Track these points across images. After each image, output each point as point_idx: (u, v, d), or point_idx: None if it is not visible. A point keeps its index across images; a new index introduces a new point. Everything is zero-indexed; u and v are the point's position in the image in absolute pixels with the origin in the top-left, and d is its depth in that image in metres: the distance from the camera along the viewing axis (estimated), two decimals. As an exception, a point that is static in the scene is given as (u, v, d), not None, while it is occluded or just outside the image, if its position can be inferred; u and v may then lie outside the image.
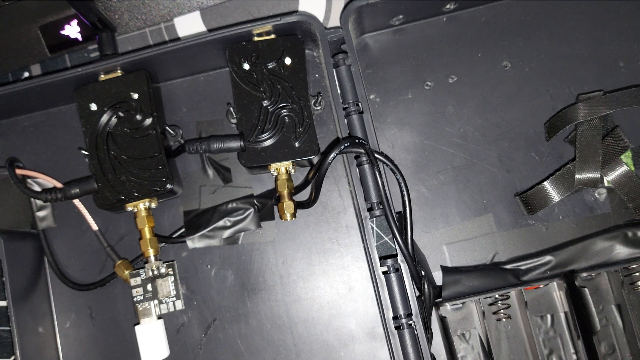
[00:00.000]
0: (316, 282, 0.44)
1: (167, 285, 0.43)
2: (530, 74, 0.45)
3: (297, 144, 0.40)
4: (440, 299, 0.42)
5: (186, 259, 0.45)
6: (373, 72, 0.46)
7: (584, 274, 0.41)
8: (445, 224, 0.44)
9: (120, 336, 0.44)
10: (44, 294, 0.45)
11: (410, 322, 0.39)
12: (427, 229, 0.44)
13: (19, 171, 0.43)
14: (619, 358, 0.42)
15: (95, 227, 0.44)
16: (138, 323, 0.42)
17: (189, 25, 0.48)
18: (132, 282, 0.42)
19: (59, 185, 0.43)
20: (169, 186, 0.40)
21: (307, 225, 0.45)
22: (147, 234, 0.41)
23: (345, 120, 0.41)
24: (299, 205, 0.42)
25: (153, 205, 0.42)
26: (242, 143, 0.40)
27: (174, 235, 0.45)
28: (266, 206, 0.44)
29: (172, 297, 0.43)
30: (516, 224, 0.44)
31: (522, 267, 0.42)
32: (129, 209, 0.41)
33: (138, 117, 0.41)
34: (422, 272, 0.40)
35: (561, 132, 0.43)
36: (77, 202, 0.43)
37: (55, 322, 0.45)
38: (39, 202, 0.46)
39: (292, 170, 0.41)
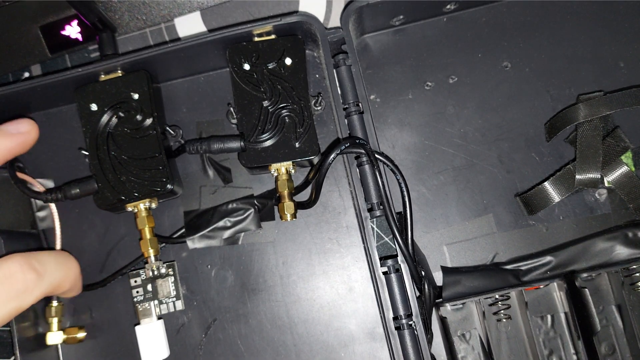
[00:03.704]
0: (316, 282, 0.44)
1: (167, 286, 0.43)
2: (530, 75, 0.45)
3: (297, 145, 0.40)
4: (441, 300, 0.42)
5: (186, 260, 0.45)
6: (373, 73, 0.46)
7: (584, 275, 0.41)
8: (445, 224, 0.44)
9: (120, 336, 0.44)
10: (44, 294, 0.45)
11: (410, 322, 0.39)
12: (427, 230, 0.44)
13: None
14: (619, 358, 0.42)
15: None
16: (138, 323, 0.42)
17: (189, 25, 0.48)
18: (132, 282, 0.42)
19: (42, 188, 0.42)
20: (169, 186, 0.40)
21: (307, 226, 0.45)
22: (147, 234, 0.41)
23: (346, 120, 0.41)
24: (299, 206, 0.42)
25: (153, 205, 0.42)
26: (242, 143, 0.40)
27: (174, 236, 0.45)
28: (266, 206, 0.44)
29: (172, 297, 0.43)
30: (516, 225, 0.44)
31: (523, 268, 0.42)
32: (129, 209, 0.41)
33: (138, 117, 0.41)
34: (423, 273, 0.40)
35: (561, 133, 0.43)
36: (53, 207, 0.43)
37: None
38: (39, 202, 0.45)
39: (293, 171, 0.41)
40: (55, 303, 0.43)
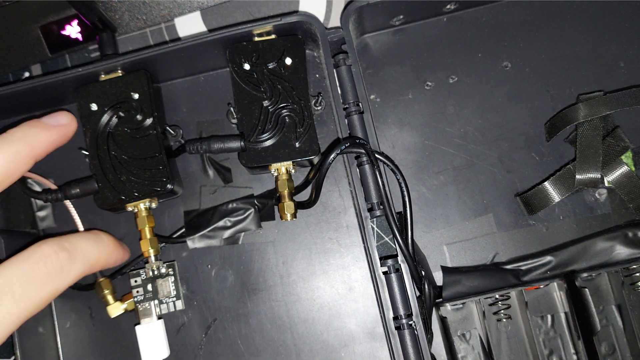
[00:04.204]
0: (316, 282, 0.44)
1: (168, 285, 0.43)
2: (530, 74, 0.45)
3: (297, 144, 0.40)
4: (441, 299, 0.42)
5: (186, 259, 0.45)
6: (373, 73, 0.46)
7: (585, 275, 0.41)
8: (445, 224, 0.44)
9: (120, 336, 0.44)
10: (44, 294, 0.45)
11: (410, 322, 0.39)
12: (427, 229, 0.44)
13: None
14: (619, 358, 0.42)
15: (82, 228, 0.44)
16: (138, 323, 0.42)
17: (190, 25, 0.48)
18: (132, 282, 0.42)
19: (52, 186, 0.42)
20: (169, 186, 0.40)
21: (307, 226, 0.45)
22: (147, 234, 0.41)
23: (346, 120, 0.41)
24: (300, 206, 0.42)
25: (153, 205, 0.42)
26: (242, 143, 0.40)
27: (175, 236, 0.45)
28: (266, 206, 0.44)
29: (173, 297, 0.43)
30: (516, 224, 0.44)
31: (523, 268, 0.42)
32: (130, 209, 0.41)
33: (138, 117, 0.41)
34: (423, 273, 0.40)
35: (561, 133, 0.43)
36: (68, 204, 0.43)
37: (55, 322, 0.45)
38: (39, 202, 0.45)
39: (293, 171, 0.41)
40: (101, 278, 0.42)
